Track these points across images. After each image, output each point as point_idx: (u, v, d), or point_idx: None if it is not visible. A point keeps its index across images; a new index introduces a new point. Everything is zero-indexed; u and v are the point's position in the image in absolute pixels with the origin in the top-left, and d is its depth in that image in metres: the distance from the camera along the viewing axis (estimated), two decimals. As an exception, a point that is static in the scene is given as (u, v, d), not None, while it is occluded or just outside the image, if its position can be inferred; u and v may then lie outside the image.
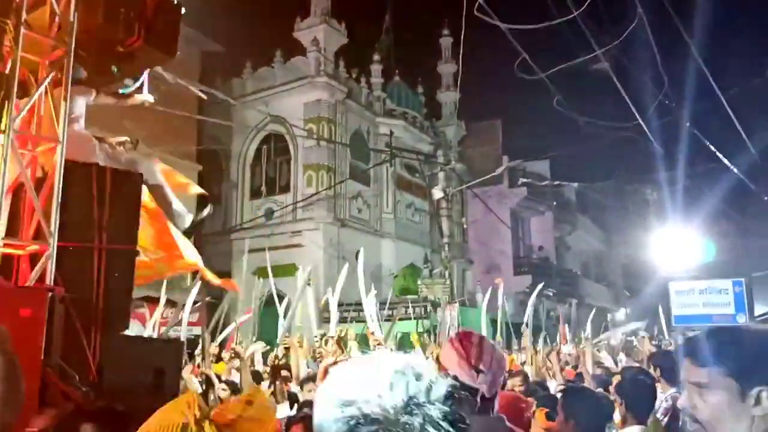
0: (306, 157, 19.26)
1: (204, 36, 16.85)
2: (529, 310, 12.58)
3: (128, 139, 4.86)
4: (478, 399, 1.77)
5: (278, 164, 20.18)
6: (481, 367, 1.78)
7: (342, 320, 12.48)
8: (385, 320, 13.68)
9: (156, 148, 15.12)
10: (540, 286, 15.14)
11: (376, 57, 22.29)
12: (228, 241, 19.08)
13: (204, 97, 11.05)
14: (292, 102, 19.47)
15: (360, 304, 11.34)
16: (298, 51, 20.12)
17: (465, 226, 24.37)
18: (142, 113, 14.68)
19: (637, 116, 9.70)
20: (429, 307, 15.24)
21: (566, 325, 14.16)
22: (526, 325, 11.74)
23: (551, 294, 23.21)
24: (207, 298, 13.16)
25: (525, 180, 20.74)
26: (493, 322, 13.10)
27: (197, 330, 12.73)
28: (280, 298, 13.57)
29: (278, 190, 19.89)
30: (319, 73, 19.38)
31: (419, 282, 16.47)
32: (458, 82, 15.92)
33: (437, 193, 16.21)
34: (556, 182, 19.57)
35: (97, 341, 3.59)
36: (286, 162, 19.97)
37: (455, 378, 1.67)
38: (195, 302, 11.02)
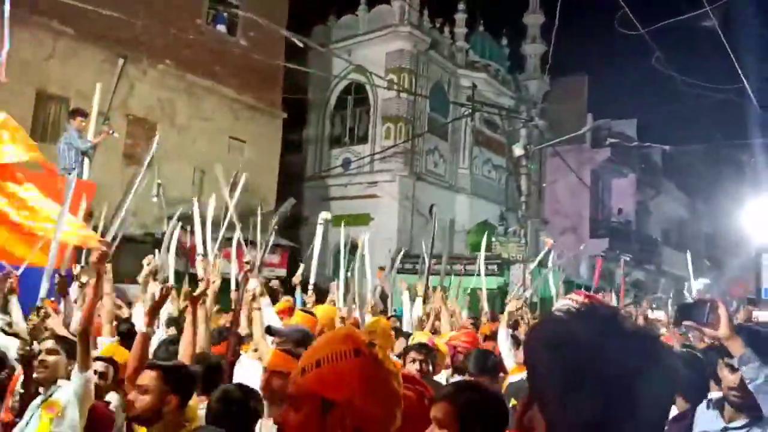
0: (385, 108, 19.18)
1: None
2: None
3: None
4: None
5: (358, 114, 20.21)
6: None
7: (404, 271, 12.64)
8: (457, 275, 13.75)
9: (245, 93, 15.50)
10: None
11: (461, 6, 21.66)
12: (305, 189, 19.48)
13: (298, 43, 11.12)
14: (375, 51, 19.29)
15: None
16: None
17: (543, 184, 23.81)
18: (232, 59, 15.06)
19: (743, 78, 9.11)
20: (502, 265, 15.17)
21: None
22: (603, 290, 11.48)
23: (628, 259, 22.52)
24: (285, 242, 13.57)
25: (612, 140, 19.89)
26: (569, 284, 12.90)
27: (279, 272, 13.27)
28: (354, 247, 13.81)
29: (357, 141, 19.99)
30: (403, 22, 19.05)
31: (493, 239, 16.32)
32: (547, 34, 15.28)
33: (518, 150, 15.81)
34: (645, 144, 18.65)
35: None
36: (366, 112, 19.96)
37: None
38: (277, 245, 11.43)
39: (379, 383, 1.42)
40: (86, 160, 8.17)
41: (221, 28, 15.55)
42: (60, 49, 11.71)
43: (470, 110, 19.57)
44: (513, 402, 3.38)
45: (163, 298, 3.33)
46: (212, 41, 14.95)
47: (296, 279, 7.85)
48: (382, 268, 9.89)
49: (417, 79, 19.37)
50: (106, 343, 4.14)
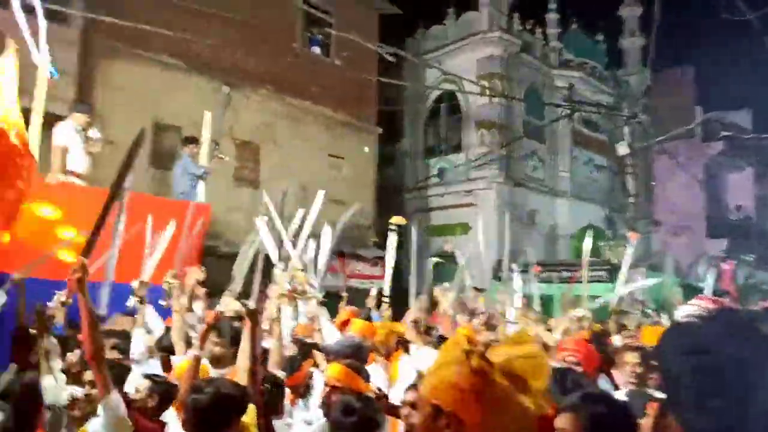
0: (478, 114, 19.03)
1: (382, -1, 17.24)
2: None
3: None
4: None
5: (451, 123, 20.19)
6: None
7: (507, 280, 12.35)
8: (562, 283, 13.32)
9: (340, 111, 15.95)
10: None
11: (552, 6, 21.16)
12: (403, 201, 19.66)
13: (389, 57, 11.33)
14: (465, 59, 19.23)
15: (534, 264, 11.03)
16: (471, 6, 19.75)
17: (652, 183, 22.62)
18: (327, 78, 15.57)
19: None
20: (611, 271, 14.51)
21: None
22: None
23: (751, 259, 20.88)
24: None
25: (725, 133, 18.60)
26: (691, 289, 12.12)
27: (381, 283, 13.45)
28: (452, 257, 13.75)
29: (451, 150, 19.95)
30: (492, 27, 18.88)
31: (600, 243, 15.68)
32: (646, 26, 14.58)
33: (621, 149, 15.14)
34: (764, 135, 17.26)
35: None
36: (459, 121, 19.90)
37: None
38: (378, 257, 11.61)
39: (484, 396, 1.46)
40: (201, 184, 8.70)
41: (316, 49, 16.10)
42: (171, 81, 12.58)
43: (568, 111, 19.01)
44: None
45: (216, 319, 3.20)
46: (308, 63, 15.51)
47: (370, 301, 7.61)
48: (478, 290, 9.66)
49: (509, 83, 19.09)
50: (177, 362, 4.11)
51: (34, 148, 6.91)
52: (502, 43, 18.86)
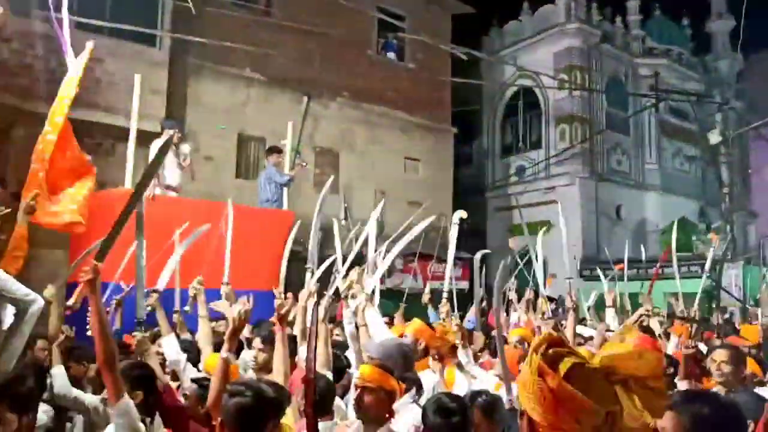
0: (558, 109, 18.60)
1: (454, -1, 17.23)
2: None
3: None
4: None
5: (529, 119, 19.84)
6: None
7: (590, 278, 11.97)
8: (649, 280, 12.76)
9: (416, 114, 16.07)
10: None
11: (632, -7, 20.40)
12: (482, 200, 19.50)
13: (462, 56, 11.35)
14: (542, 53, 18.86)
15: (619, 261, 10.65)
16: (545, 1, 19.36)
17: (748, 171, 21.29)
18: (402, 82, 15.73)
19: None
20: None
21: None
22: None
23: None
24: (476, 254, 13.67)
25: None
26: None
27: (462, 284, 13.42)
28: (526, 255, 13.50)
29: (530, 146, 19.60)
30: (570, 18, 18.41)
31: (693, 238, 14.91)
32: (735, 7, 13.75)
33: (713, 138, 14.36)
34: None
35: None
36: (537, 116, 19.52)
37: None
38: (458, 258, 11.54)
39: (545, 396, 1.48)
40: (285, 192, 9.02)
41: (391, 55, 16.28)
42: (254, 94, 13.12)
43: (653, 100, 18.24)
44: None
45: (242, 323, 3.10)
46: (383, 69, 15.71)
47: (425, 297, 7.32)
48: (553, 275, 9.46)
49: (590, 75, 18.55)
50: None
51: (129, 163, 7.43)
52: (580, 35, 18.36)
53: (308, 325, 3.68)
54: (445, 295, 5.89)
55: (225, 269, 5.55)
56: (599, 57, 18.98)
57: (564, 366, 1.50)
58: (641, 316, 5.91)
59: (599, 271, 9.25)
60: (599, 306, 7.88)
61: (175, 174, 7.72)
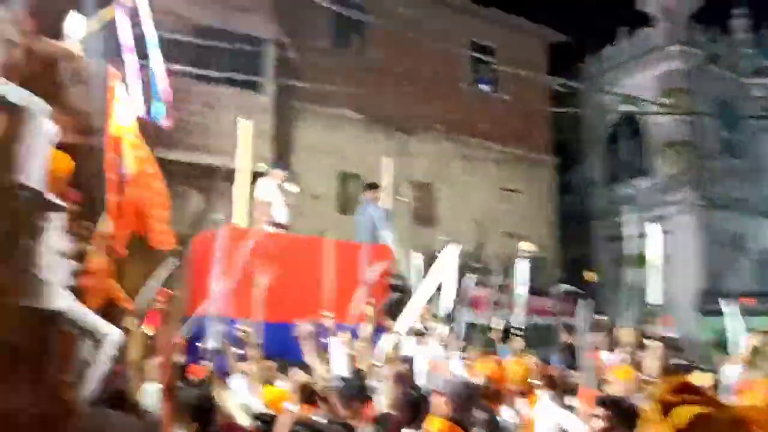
0: (663, 134, 17.75)
1: (548, 28, 17.09)
2: None
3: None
4: None
5: (633, 146, 19.05)
6: None
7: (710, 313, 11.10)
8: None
9: (512, 144, 15.92)
10: None
11: (737, 11, 19.29)
12: (587, 230, 18.82)
13: (558, 88, 11.19)
14: (642, 77, 18.19)
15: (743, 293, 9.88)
16: (645, 22, 18.74)
17: None
18: (497, 113, 15.68)
19: None
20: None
21: None
22: None
23: None
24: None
25: None
26: None
27: (569, 320, 12.91)
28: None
29: (636, 174, 18.77)
30: (671, 41, 17.69)
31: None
32: None
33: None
34: None
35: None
36: (641, 143, 18.72)
37: None
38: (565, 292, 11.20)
39: None
40: (382, 226, 9.14)
41: (484, 87, 16.31)
42: (352, 133, 13.53)
43: (769, 121, 17.04)
44: None
45: None
46: (476, 101, 15.75)
47: (495, 334, 6.85)
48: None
49: (695, 98, 17.63)
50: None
51: (244, 201, 7.84)
52: (682, 56, 17.57)
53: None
54: (515, 330, 5.67)
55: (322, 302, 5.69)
56: (705, 79, 18.02)
57: (682, 415, 1.41)
58: None
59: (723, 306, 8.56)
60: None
61: (282, 212, 8.05)
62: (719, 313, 10.31)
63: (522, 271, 6.64)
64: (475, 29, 15.84)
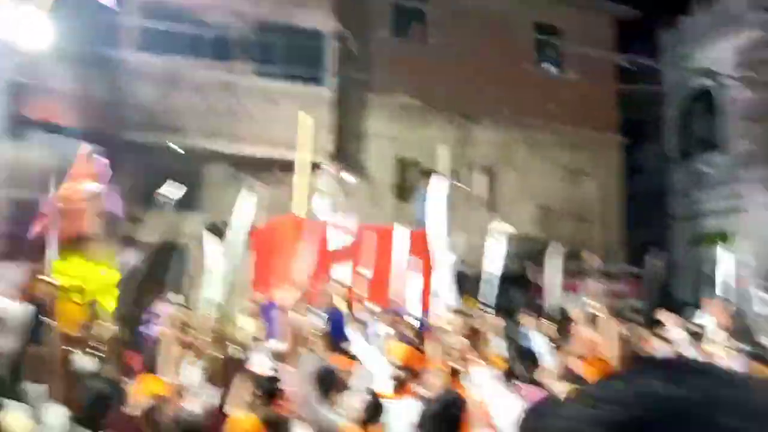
0: (742, 108, 16.85)
1: (616, 3, 16.56)
2: None
3: None
4: None
5: (707, 122, 18.20)
6: None
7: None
8: None
9: (579, 125, 15.64)
10: None
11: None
12: (660, 209, 18.23)
13: (626, 65, 10.95)
14: (720, 49, 17.26)
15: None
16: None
17: None
18: (563, 94, 15.43)
19: None
20: None
21: None
22: None
23: None
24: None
25: None
26: None
27: (633, 301, 12.72)
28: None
29: (711, 150, 17.96)
30: (753, 8, 16.69)
31: None
32: None
33: None
34: None
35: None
36: (716, 118, 17.86)
37: None
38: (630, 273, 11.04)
39: None
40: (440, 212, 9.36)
41: (550, 67, 16.06)
42: (411, 119, 13.73)
43: None
44: None
45: None
46: (542, 82, 15.53)
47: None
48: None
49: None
50: None
51: (296, 191, 8.30)
52: (765, 25, 16.54)
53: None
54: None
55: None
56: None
57: None
58: None
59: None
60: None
61: (340, 202, 8.45)
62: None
63: (495, 252, 6.82)
64: (538, 9, 15.58)
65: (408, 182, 13.28)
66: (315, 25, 11.72)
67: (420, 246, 8.05)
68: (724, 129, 17.52)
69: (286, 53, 11.49)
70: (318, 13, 11.66)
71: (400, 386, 3.77)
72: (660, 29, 19.31)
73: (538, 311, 7.41)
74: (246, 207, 6.30)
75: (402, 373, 3.81)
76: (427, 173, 10.19)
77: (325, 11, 11.78)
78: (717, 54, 17.21)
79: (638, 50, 16.70)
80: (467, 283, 7.84)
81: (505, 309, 7.34)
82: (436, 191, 5.89)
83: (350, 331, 4.90)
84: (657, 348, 6.09)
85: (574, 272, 10.71)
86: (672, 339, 6.22)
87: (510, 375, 3.85)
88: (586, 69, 15.47)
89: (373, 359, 4.23)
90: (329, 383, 3.30)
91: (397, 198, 13.11)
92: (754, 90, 16.35)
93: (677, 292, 14.26)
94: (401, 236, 6.03)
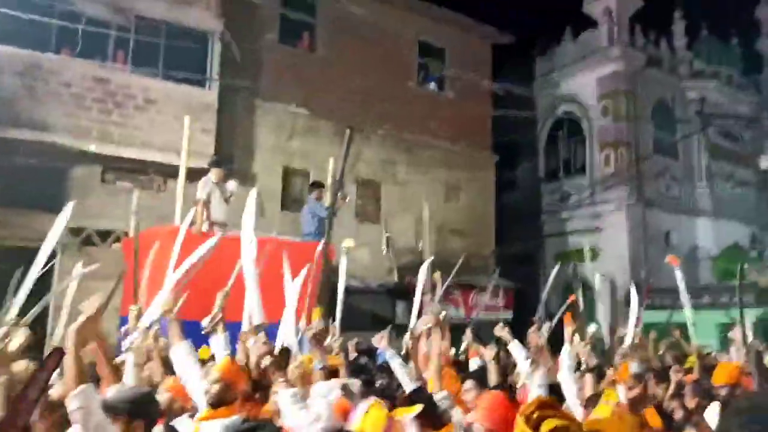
0: (602, 134, 18.44)
1: (494, 29, 17.40)
2: None
3: None
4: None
5: (572, 145, 19.69)
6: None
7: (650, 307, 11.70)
8: (703, 308, 12.46)
9: (457, 143, 16.23)
10: None
11: (677, 14, 20.14)
12: (532, 227, 19.38)
13: (498, 92, 11.53)
14: (585, 79, 18.80)
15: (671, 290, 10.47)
16: (589, 24, 19.34)
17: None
18: (443, 112, 15.97)
19: None
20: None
21: None
22: None
23: None
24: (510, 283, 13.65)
25: None
26: None
27: (505, 314, 13.39)
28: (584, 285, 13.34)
29: (574, 173, 19.43)
30: (613, 43, 18.34)
31: (746, 265, 14.43)
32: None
33: (764, 163, 14.00)
34: None
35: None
36: (581, 142, 19.36)
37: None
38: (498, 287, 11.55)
39: None
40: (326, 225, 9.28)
41: (432, 86, 16.57)
42: (299, 128, 13.57)
43: (701, 124, 17.89)
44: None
45: None
46: (424, 100, 15.99)
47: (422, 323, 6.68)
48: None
49: (635, 99, 18.37)
50: None
51: (179, 199, 7.85)
52: (624, 59, 18.24)
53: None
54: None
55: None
56: (645, 81, 18.78)
57: (546, 427, 1.62)
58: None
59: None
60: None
61: (220, 210, 8.09)
62: (652, 307, 10.93)
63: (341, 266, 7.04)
64: (424, 28, 16.05)
65: (295, 192, 13.09)
66: (200, 25, 11.22)
67: (302, 258, 7.87)
68: (586, 153, 19.03)
69: (168, 53, 10.90)
70: (205, 14, 11.19)
71: (218, 405, 3.51)
72: (535, 56, 20.66)
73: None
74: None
75: (217, 389, 3.53)
76: (313, 186, 10.09)
77: (213, 13, 11.33)
78: (582, 82, 18.71)
79: (516, 74, 17.75)
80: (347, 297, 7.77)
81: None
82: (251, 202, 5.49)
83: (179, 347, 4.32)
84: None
85: (456, 285, 11.06)
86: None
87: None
88: (465, 89, 16.16)
89: (191, 377, 3.90)
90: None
91: (283, 208, 12.85)
92: (613, 118, 17.93)
93: (546, 306, 15.19)
94: (249, 246, 5.59)
